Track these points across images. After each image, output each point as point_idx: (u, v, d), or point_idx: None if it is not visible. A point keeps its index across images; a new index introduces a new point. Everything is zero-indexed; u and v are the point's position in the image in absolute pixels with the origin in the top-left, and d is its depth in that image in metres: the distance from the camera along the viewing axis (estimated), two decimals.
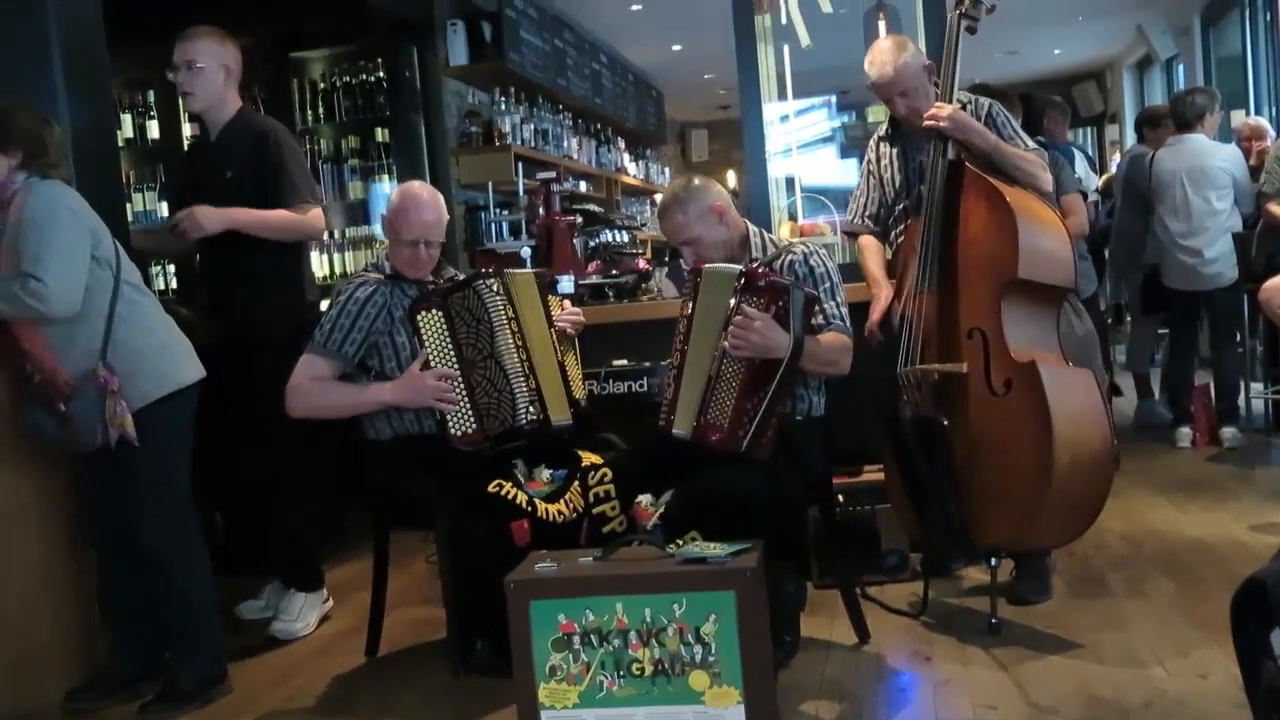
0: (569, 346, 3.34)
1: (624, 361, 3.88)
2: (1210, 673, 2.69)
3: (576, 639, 2.47)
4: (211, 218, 3.46)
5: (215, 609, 3.17)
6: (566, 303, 3.48)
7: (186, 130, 6.12)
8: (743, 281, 2.90)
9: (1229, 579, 3.17)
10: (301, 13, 5.63)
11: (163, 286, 6.22)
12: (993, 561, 3.18)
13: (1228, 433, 5.31)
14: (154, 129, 6.18)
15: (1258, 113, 7.47)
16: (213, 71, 3.56)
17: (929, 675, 2.89)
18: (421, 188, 3.29)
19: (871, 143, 3.62)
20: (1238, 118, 6.94)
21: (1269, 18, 7.69)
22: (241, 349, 3.50)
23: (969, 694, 2.74)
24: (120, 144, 5.52)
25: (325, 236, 6.18)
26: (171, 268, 6.20)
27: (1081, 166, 5.22)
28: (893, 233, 3.54)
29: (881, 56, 3.37)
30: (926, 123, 3.20)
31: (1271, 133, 6.02)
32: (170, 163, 6.13)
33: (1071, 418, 2.95)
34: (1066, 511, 3.01)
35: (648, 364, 3.73)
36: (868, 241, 3.58)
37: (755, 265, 3.01)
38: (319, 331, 3.15)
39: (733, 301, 2.89)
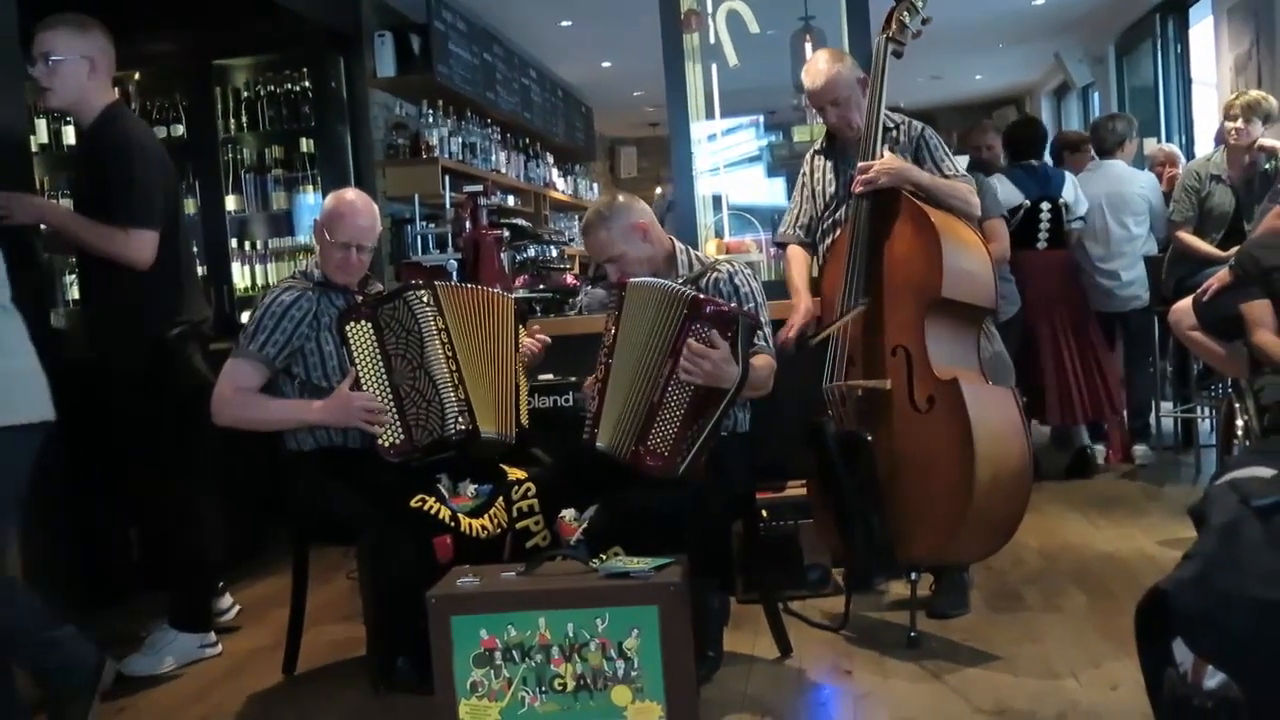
0: (523, 371, 3.33)
1: (550, 376, 3.87)
2: (1121, 684, 2.75)
3: (498, 654, 2.46)
4: (25, 205, 3.21)
5: (44, 630, 2.73)
6: (537, 329, 3.46)
7: None
8: (690, 309, 2.84)
9: (1139, 592, 3.24)
10: (226, 19, 5.54)
11: (77, 295, 6.06)
12: (913, 576, 3.22)
13: (1139, 450, 5.45)
14: (69, 134, 6.03)
15: (1168, 140, 7.70)
16: (73, 65, 3.20)
17: (849, 688, 2.91)
18: (357, 194, 3.28)
19: (807, 156, 3.68)
20: (1150, 145, 7.15)
21: (1179, 49, 7.95)
22: (98, 374, 3.30)
23: (888, 706, 2.77)
24: (34, 149, 5.39)
25: (246, 247, 6.09)
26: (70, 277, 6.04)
27: (1071, 191, 5.30)
28: (821, 246, 3.59)
29: (815, 67, 3.45)
30: (858, 186, 3.22)
31: (1183, 159, 6.22)
32: None
33: (992, 435, 3.00)
34: (986, 527, 3.07)
35: (574, 378, 3.72)
36: (795, 252, 3.64)
37: (693, 289, 2.96)
38: (243, 336, 3.11)
39: (680, 327, 2.84)
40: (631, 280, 3.01)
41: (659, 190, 7.09)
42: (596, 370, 3.04)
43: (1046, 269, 5.24)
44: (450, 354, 3.08)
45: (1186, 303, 3.71)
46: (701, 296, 2.91)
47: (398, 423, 3.04)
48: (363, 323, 3.06)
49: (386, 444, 3.03)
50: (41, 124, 5.96)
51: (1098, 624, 3.24)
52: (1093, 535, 4.25)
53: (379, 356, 3.06)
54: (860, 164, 3.25)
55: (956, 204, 3.28)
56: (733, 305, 2.95)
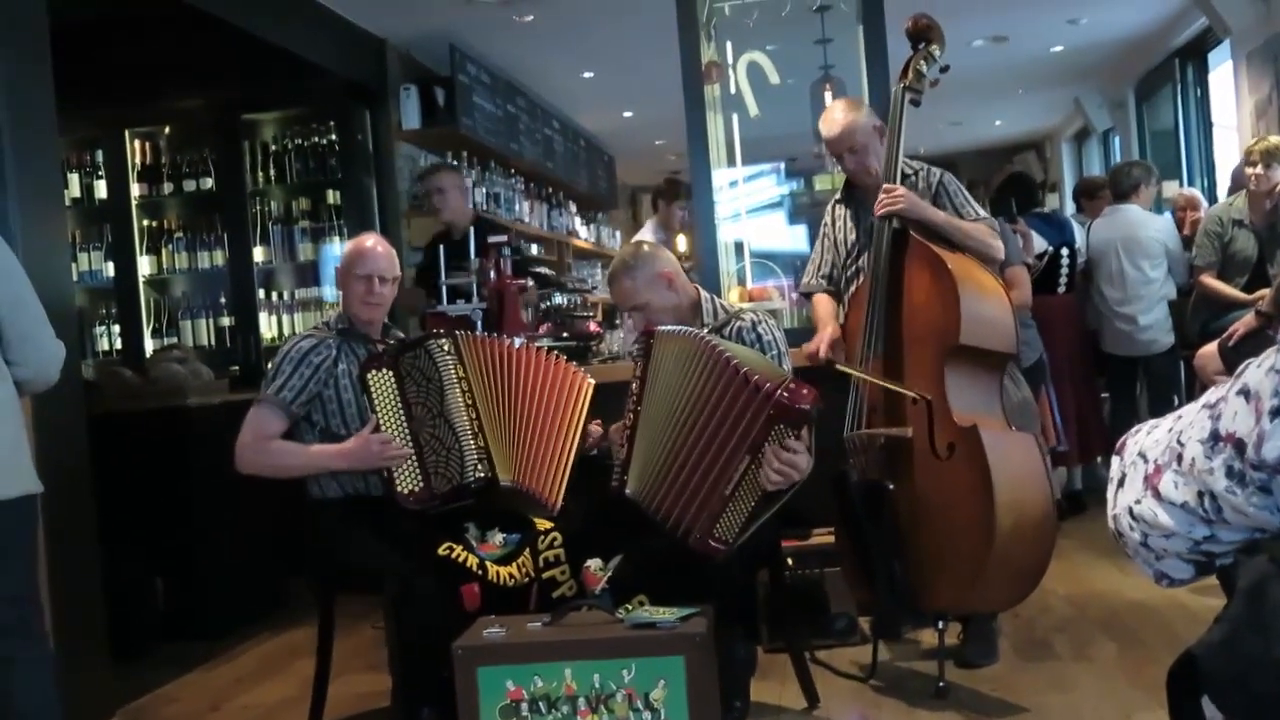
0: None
1: None
2: None
3: (525, 706, 2.45)
4: None
5: None
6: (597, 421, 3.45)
7: (135, 190, 6.09)
8: (774, 411, 2.71)
9: (1171, 641, 3.22)
10: (254, 75, 5.65)
11: (107, 346, 6.15)
12: (940, 625, 3.19)
13: None
14: (101, 188, 6.14)
15: (1190, 183, 7.69)
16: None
17: None
18: (374, 236, 3.39)
19: (828, 206, 3.70)
20: (1171, 188, 7.15)
21: (1199, 93, 7.97)
22: None
23: None
24: (67, 203, 5.48)
25: (273, 298, 6.15)
26: (117, 328, 6.13)
27: (1080, 236, 5.58)
28: (845, 294, 3.60)
29: (831, 116, 3.48)
30: (880, 211, 3.25)
31: (1204, 203, 6.21)
32: (117, 222, 6.08)
33: (1013, 481, 2.99)
34: (1010, 574, 3.04)
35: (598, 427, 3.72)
36: (821, 298, 3.65)
37: (771, 383, 2.75)
38: (264, 383, 3.13)
39: (759, 426, 2.72)
40: (660, 330, 3.01)
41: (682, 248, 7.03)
42: (625, 417, 3.04)
43: (1067, 312, 5.46)
44: (470, 402, 3.10)
45: (1212, 347, 3.68)
46: (780, 395, 2.71)
47: (417, 470, 3.05)
48: (384, 371, 3.09)
49: (405, 491, 3.04)
50: (74, 178, 6.07)
51: (1128, 673, 3.20)
52: (1122, 582, 4.20)
53: (400, 404, 3.07)
54: (886, 185, 3.26)
55: (974, 245, 3.28)
56: (806, 394, 2.76)
